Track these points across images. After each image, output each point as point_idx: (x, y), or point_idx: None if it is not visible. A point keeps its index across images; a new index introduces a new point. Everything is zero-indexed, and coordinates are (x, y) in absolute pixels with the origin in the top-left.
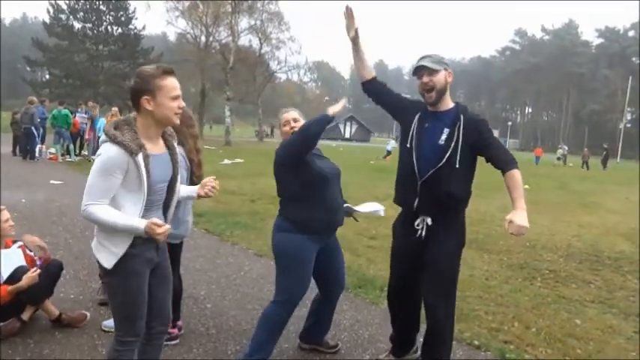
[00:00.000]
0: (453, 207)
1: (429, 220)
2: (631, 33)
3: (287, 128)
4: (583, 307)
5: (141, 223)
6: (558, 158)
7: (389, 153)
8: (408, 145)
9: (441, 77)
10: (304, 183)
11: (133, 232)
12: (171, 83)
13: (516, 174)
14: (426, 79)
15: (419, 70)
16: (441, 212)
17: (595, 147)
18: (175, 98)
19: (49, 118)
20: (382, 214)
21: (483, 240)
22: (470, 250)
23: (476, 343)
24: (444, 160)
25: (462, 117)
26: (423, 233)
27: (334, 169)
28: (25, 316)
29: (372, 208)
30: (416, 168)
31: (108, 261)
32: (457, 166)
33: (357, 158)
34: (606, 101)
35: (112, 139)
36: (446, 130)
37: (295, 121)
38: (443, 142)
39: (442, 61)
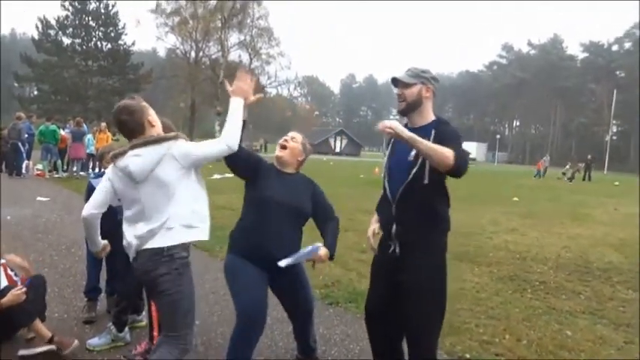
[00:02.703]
0: (428, 227)
1: (404, 243)
2: (615, 47)
3: (281, 141)
4: (574, 318)
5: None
6: (563, 173)
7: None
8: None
9: (413, 91)
10: (246, 200)
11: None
12: (145, 103)
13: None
14: (398, 90)
15: (394, 82)
16: (418, 233)
17: (583, 160)
18: (154, 125)
19: (36, 134)
20: (318, 251)
21: (473, 252)
22: (460, 263)
23: (467, 356)
24: (411, 176)
25: (433, 131)
26: (397, 251)
27: (289, 201)
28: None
29: (303, 253)
30: (388, 191)
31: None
32: (425, 181)
33: (347, 172)
34: (593, 114)
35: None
36: None
37: (293, 139)
38: (411, 159)
39: (421, 75)
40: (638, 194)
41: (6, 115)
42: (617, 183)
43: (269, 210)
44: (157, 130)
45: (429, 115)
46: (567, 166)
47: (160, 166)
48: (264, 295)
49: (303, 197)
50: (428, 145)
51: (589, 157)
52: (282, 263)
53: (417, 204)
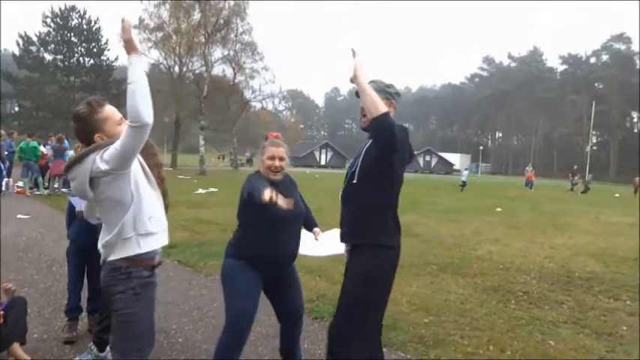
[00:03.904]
0: (364, 227)
1: (348, 246)
2: (592, 60)
3: (269, 163)
4: (556, 328)
5: None
6: (573, 184)
7: (464, 184)
8: None
9: None
10: (255, 217)
11: None
12: (110, 110)
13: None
14: (361, 104)
15: (357, 96)
16: (357, 235)
17: (565, 170)
18: (120, 123)
19: (16, 151)
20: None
21: (458, 264)
22: (445, 275)
23: None
24: (348, 177)
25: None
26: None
27: (296, 211)
28: None
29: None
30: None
31: None
32: (354, 180)
33: (334, 184)
34: (573, 125)
35: None
36: None
37: (281, 160)
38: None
39: (385, 90)
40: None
41: None
42: (617, 195)
43: (278, 224)
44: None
45: None
46: (575, 177)
47: (100, 186)
48: (255, 303)
49: (300, 201)
50: (370, 89)
51: (575, 167)
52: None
53: (349, 203)
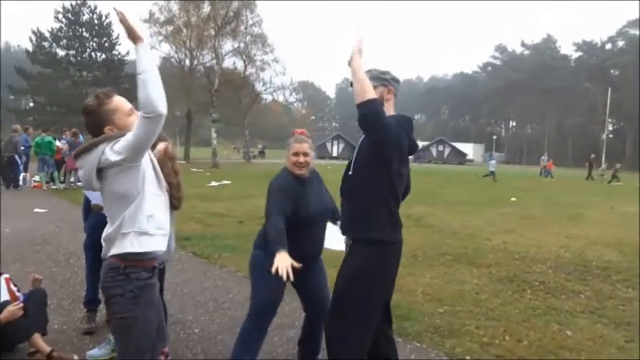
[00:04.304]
0: (358, 222)
1: (349, 240)
2: (608, 46)
3: (294, 159)
4: (573, 317)
5: None
6: (601, 175)
7: (492, 173)
8: None
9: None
10: (288, 219)
11: None
12: (119, 101)
13: None
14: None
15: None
16: (351, 230)
17: (578, 159)
18: (130, 113)
19: (32, 146)
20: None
21: (472, 254)
22: (459, 265)
23: (467, 358)
24: (345, 170)
25: None
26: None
27: (323, 208)
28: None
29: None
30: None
31: None
32: (350, 172)
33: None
34: (588, 113)
35: None
36: None
37: (306, 155)
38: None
39: (381, 77)
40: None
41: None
42: None
43: (310, 224)
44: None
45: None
46: (601, 167)
47: (108, 177)
48: (280, 294)
49: (327, 196)
50: (362, 73)
51: (592, 156)
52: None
53: (345, 195)
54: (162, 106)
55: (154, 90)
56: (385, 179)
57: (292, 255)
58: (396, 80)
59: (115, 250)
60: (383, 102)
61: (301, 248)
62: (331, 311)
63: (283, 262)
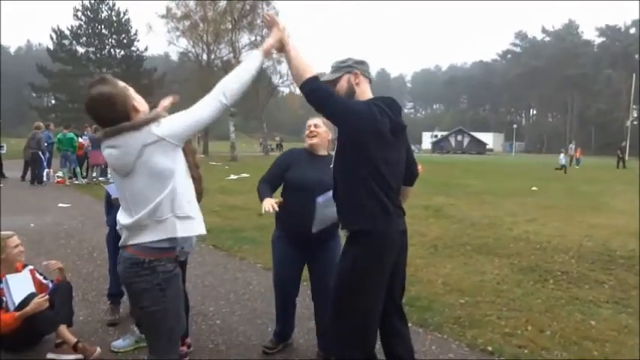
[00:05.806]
0: (347, 213)
1: (344, 232)
2: (632, 30)
3: (307, 132)
4: (597, 307)
5: None
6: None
7: (564, 167)
8: None
9: (343, 84)
10: (284, 187)
11: None
12: (123, 83)
13: None
14: (332, 89)
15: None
16: (342, 222)
17: (602, 147)
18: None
19: (55, 142)
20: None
21: (493, 244)
22: (479, 255)
23: (489, 349)
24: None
25: None
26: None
27: (319, 178)
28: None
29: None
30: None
31: None
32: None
33: None
34: (611, 100)
35: None
36: None
37: (316, 126)
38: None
39: (342, 66)
40: None
41: (24, 125)
42: None
43: (304, 194)
44: (144, 113)
45: (364, 98)
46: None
47: (145, 154)
48: (291, 270)
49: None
50: (295, 53)
51: (623, 144)
52: (314, 229)
53: (335, 191)
54: (231, 99)
55: (241, 88)
56: (368, 167)
57: (292, 217)
58: (360, 62)
59: (147, 237)
60: (354, 88)
61: (297, 223)
62: (331, 307)
63: (267, 202)
